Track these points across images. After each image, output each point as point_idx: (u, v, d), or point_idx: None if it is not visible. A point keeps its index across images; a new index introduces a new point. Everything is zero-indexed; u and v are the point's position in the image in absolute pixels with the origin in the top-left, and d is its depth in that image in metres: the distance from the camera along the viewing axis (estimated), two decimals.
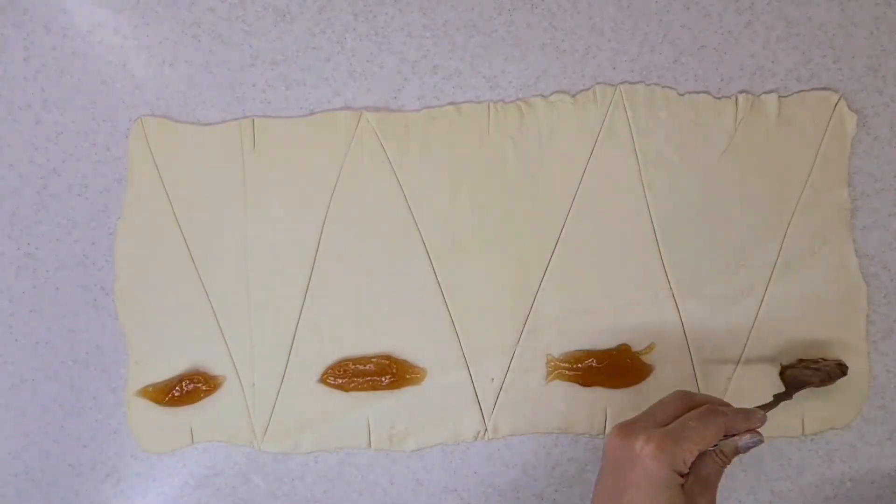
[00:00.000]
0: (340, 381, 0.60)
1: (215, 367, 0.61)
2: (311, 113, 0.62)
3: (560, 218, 0.60)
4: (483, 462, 0.61)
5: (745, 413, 0.47)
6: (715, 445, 0.45)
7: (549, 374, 0.60)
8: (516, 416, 0.60)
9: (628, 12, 0.61)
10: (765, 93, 0.60)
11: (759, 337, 0.59)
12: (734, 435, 0.46)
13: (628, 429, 0.46)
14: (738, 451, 0.46)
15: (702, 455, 0.45)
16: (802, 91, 0.60)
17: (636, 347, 0.59)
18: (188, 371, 0.61)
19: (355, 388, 0.60)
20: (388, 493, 0.61)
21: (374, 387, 0.59)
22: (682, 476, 0.44)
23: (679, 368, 0.59)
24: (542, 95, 0.61)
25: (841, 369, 0.56)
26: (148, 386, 0.61)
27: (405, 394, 0.60)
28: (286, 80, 0.62)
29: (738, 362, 0.59)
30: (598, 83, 0.61)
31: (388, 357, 0.60)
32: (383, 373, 0.59)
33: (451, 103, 0.61)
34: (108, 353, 0.62)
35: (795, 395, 0.55)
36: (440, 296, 0.60)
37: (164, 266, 0.61)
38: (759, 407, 0.50)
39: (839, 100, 0.59)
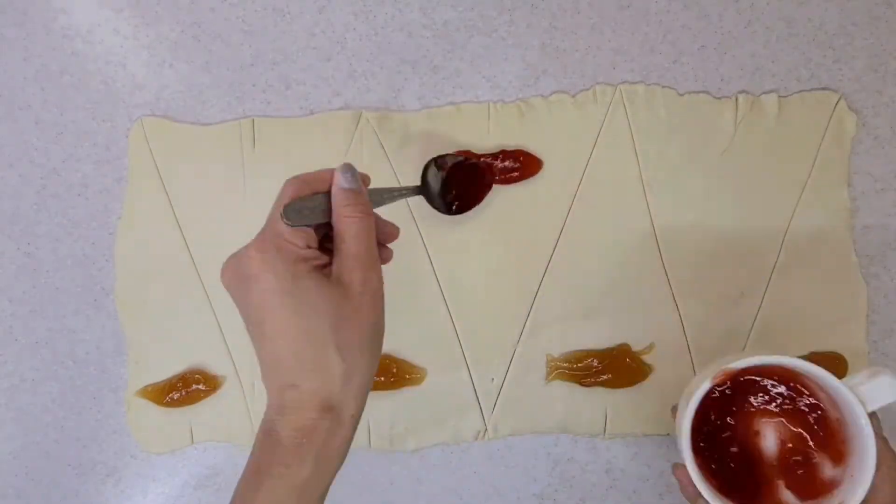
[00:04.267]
0: None
1: (215, 367, 0.61)
2: (311, 113, 0.62)
3: (560, 218, 0.60)
4: (483, 462, 0.61)
5: (319, 174, 0.42)
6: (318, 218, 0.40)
7: (549, 374, 0.60)
8: (516, 416, 0.60)
9: (628, 12, 0.61)
10: (765, 93, 0.60)
11: (759, 337, 0.59)
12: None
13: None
14: (344, 192, 0.41)
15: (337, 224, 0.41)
16: (802, 91, 0.60)
17: (636, 347, 0.59)
18: (188, 371, 0.61)
19: None
20: (388, 493, 0.61)
21: (375, 387, 0.59)
22: (305, 260, 0.39)
23: (679, 368, 0.59)
24: (542, 95, 0.61)
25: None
26: (148, 386, 0.61)
27: (405, 394, 0.60)
28: (286, 80, 0.62)
29: None
30: (598, 83, 0.61)
31: (388, 357, 0.60)
32: (383, 373, 0.59)
33: (451, 103, 0.61)
34: (108, 353, 0.62)
35: None
36: (440, 296, 0.60)
37: (164, 266, 0.61)
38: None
39: (839, 100, 0.59)
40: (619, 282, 0.60)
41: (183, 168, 0.62)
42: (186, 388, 0.60)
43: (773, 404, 0.46)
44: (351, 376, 0.38)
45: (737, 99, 0.60)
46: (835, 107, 0.59)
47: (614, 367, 0.59)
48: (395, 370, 0.59)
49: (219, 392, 0.61)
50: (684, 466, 0.45)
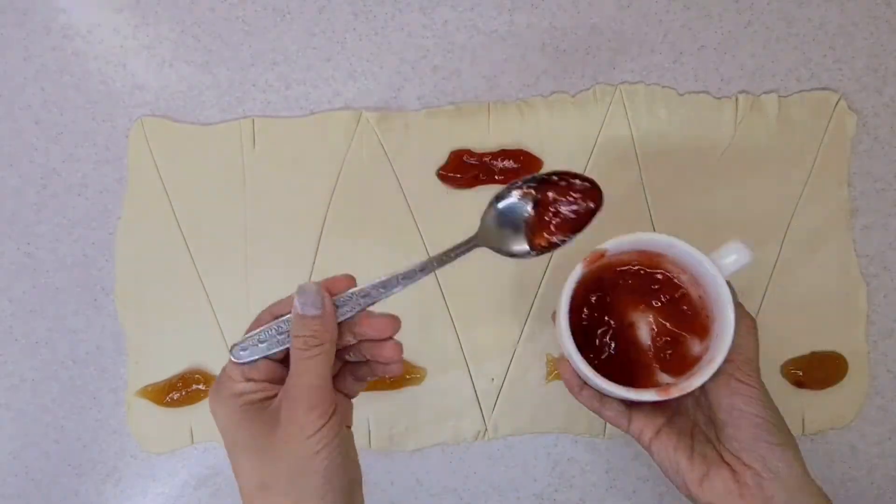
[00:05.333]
0: None
1: (215, 367, 0.61)
2: (311, 113, 0.62)
3: None
4: (483, 462, 0.61)
5: (289, 298, 0.39)
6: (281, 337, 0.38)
7: (549, 373, 0.60)
8: (516, 416, 0.60)
9: (628, 12, 0.61)
10: (765, 93, 0.60)
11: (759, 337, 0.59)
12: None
13: None
14: (300, 319, 0.37)
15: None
16: (802, 91, 0.60)
17: None
18: (188, 371, 0.61)
19: None
20: (388, 493, 0.61)
21: (374, 387, 0.59)
22: (241, 395, 0.38)
23: None
24: (542, 95, 0.61)
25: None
26: (148, 386, 0.61)
27: (405, 394, 0.60)
28: (286, 80, 0.62)
29: None
30: (598, 83, 0.61)
31: None
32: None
33: (451, 103, 0.61)
34: (108, 353, 0.62)
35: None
36: (440, 295, 0.60)
37: (164, 266, 0.61)
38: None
39: (839, 100, 0.59)
40: None
41: (183, 168, 0.62)
42: (186, 388, 0.60)
43: (642, 294, 0.48)
44: None
45: (737, 99, 0.60)
46: (835, 107, 0.59)
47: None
48: None
49: None
50: (566, 360, 0.46)
